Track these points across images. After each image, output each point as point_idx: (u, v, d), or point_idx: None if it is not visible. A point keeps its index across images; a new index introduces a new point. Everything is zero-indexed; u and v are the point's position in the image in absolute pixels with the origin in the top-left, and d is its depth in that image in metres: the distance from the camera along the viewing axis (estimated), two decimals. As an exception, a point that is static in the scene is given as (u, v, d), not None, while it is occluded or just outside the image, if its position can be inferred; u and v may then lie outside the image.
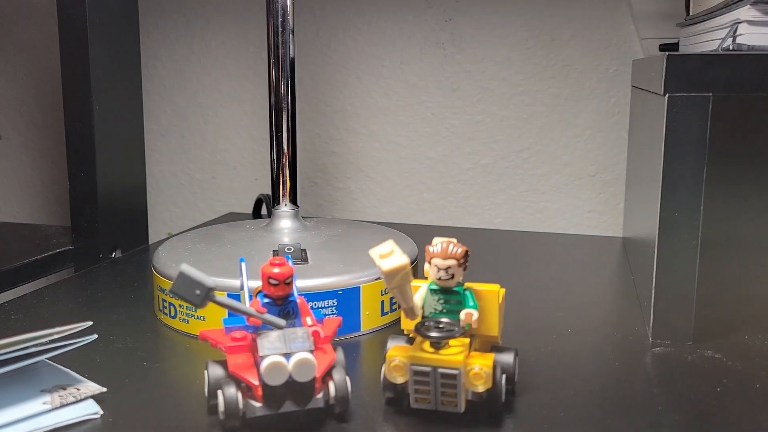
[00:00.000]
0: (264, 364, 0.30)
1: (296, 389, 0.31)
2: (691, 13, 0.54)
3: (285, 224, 0.52)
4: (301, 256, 0.46)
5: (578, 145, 0.72)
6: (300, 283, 0.41)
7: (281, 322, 0.32)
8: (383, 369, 0.33)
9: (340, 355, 0.34)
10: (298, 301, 0.34)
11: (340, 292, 0.43)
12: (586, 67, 0.70)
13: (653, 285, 0.42)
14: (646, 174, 0.48)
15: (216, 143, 0.81)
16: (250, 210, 0.76)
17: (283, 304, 0.33)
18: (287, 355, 0.31)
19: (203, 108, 0.81)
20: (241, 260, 0.36)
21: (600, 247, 0.65)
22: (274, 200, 0.53)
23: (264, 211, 0.73)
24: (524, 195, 0.74)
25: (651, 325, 0.43)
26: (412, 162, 0.76)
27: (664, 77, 0.40)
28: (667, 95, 0.40)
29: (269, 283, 0.33)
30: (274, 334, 0.32)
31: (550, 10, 0.70)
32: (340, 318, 0.36)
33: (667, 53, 0.40)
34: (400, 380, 0.32)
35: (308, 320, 0.34)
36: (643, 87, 0.52)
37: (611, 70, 0.70)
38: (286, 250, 0.46)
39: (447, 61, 0.73)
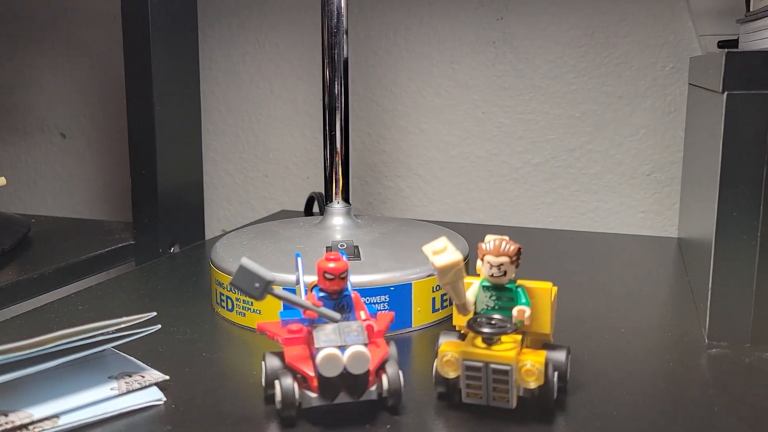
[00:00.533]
0: (320, 355, 0.31)
1: (350, 381, 0.32)
2: (751, 9, 0.53)
3: (337, 221, 0.53)
4: (353, 253, 0.47)
5: (632, 144, 0.71)
6: (352, 279, 0.41)
7: (336, 315, 0.33)
8: (435, 364, 0.34)
9: (393, 349, 0.34)
10: (353, 295, 0.35)
11: (392, 289, 0.44)
12: (641, 65, 0.69)
13: (710, 286, 0.42)
14: (704, 173, 0.47)
15: (269, 142, 0.83)
16: (301, 208, 0.78)
17: (338, 299, 0.34)
18: (342, 348, 0.31)
19: (256, 108, 0.83)
20: (297, 255, 0.37)
21: (654, 247, 0.64)
22: (326, 198, 0.54)
23: (316, 208, 0.74)
24: (576, 194, 0.73)
25: (707, 326, 0.42)
26: (462, 161, 0.76)
27: (723, 74, 0.39)
28: (725, 93, 0.40)
29: (325, 278, 0.34)
30: (329, 327, 0.33)
31: (605, 8, 0.69)
32: (393, 312, 0.37)
33: (726, 50, 0.39)
34: (452, 375, 0.33)
35: (362, 314, 0.35)
36: (700, 85, 0.51)
37: (667, 67, 0.68)
38: (339, 246, 0.47)
39: (498, 60, 0.73)
